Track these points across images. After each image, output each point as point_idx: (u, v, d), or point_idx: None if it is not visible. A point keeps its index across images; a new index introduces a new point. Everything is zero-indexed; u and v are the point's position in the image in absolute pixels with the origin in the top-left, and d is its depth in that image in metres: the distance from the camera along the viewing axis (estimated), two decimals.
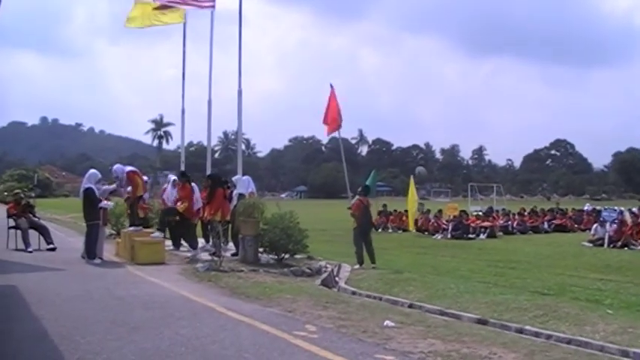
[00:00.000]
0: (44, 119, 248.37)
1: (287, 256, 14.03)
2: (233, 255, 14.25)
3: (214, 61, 18.73)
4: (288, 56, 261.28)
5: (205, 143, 20.56)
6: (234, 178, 15.81)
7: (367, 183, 20.15)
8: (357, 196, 15.26)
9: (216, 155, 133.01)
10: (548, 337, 7.94)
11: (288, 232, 13.58)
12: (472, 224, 26.60)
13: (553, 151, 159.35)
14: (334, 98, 17.38)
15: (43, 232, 16.86)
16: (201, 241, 15.78)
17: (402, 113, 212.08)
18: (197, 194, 15.73)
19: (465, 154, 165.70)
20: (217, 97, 18.74)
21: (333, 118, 17.49)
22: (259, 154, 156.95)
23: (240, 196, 14.87)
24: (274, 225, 13.58)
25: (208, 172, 17.77)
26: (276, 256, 13.93)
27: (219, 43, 18.97)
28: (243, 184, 15.28)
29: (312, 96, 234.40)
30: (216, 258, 12.96)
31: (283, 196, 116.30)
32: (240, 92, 16.79)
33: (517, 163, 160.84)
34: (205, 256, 14.35)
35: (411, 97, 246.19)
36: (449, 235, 24.94)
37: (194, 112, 21.58)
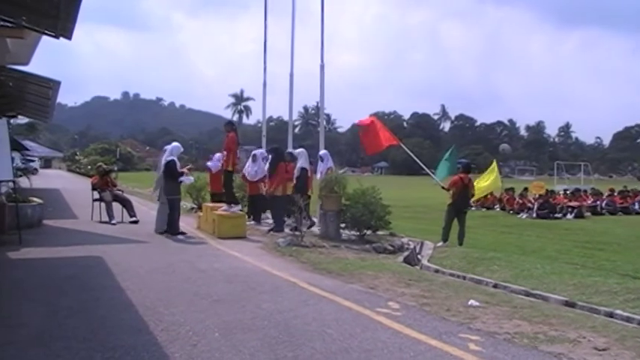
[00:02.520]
0: (126, 94, 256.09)
1: (369, 232, 14.00)
2: (290, 229, 14.28)
3: (296, 35, 18.77)
4: (367, 31, 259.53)
5: (285, 118, 20.76)
6: (295, 152, 15.83)
7: (444, 159, 19.88)
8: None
9: (296, 130, 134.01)
10: None
11: (370, 207, 13.53)
12: (559, 203, 25.95)
13: None
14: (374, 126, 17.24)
15: (126, 205, 17.30)
16: None
17: (485, 88, 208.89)
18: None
19: (551, 131, 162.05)
20: (297, 72, 18.67)
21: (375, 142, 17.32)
22: (340, 130, 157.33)
23: (302, 170, 14.93)
24: (356, 200, 13.55)
25: (289, 146, 17.87)
26: (357, 232, 13.92)
27: (298, 17, 18.98)
28: (304, 157, 15.33)
29: (392, 71, 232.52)
30: (297, 233, 13.03)
31: (366, 174, 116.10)
32: (322, 66, 16.76)
33: (606, 141, 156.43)
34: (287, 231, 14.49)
35: (495, 72, 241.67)
36: (534, 215, 24.45)
37: (274, 87, 21.76)
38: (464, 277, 10.72)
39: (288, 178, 15.19)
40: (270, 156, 15.67)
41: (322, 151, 15.83)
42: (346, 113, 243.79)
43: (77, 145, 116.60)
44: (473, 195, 14.95)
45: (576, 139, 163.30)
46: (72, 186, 36.16)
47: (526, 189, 28.36)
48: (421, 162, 16.19)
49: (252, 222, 16.10)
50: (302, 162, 15.19)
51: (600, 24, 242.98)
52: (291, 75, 18.81)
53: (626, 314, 7.98)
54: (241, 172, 16.74)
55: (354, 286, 8.78)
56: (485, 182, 17.67)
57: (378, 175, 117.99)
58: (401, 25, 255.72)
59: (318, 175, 15.11)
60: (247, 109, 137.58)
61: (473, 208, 28.15)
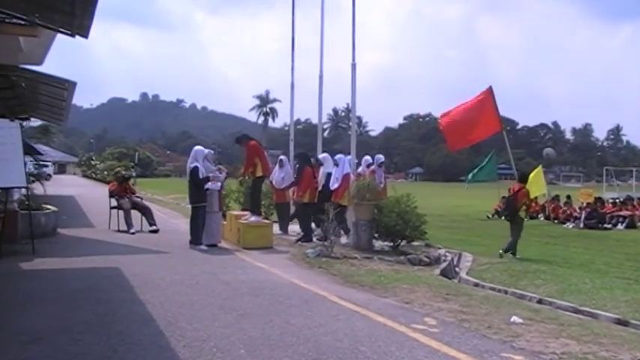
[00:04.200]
0: (144, 95, 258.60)
1: (403, 242, 13.99)
2: (318, 239, 14.35)
3: (325, 34, 18.79)
4: (399, 27, 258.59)
5: (314, 121, 20.81)
6: (320, 157, 15.89)
7: (482, 165, 19.94)
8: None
9: (325, 134, 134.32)
10: None
11: (405, 216, 13.53)
12: (608, 212, 25.64)
13: None
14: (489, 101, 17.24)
15: (146, 212, 17.40)
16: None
17: (526, 88, 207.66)
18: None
19: (600, 134, 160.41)
20: (326, 72, 18.67)
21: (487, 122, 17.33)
22: (372, 133, 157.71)
23: (329, 175, 14.97)
24: (390, 209, 13.55)
25: (319, 151, 17.91)
26: (391, 243, 13.92)
27: (327, 13, 19.00)
28: (330, 162, 15.38)
29: (427, 70, 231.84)
30: (326, 243, 13.05)
31: (399, 180, 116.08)
32: (354, 66, 16.73)
33: None
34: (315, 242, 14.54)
35: (537, 70, 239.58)
36: (581, 224, 24.20)
37: (302, 88, 21.71)
38: (505, 292, 10.66)
39: (316, 184, 15.25)
40: (296, 162, 15.76)
41: (337, 156, 15.82)
42: (378, 116, 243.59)
43: (93, 150, 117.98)
44: (524, 205, 14.87)
45: (627, 142, 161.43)
46: (88, 193, 36.61)
47: (569, 197, 28.09)
48: (459, 168, 16.09)
49: (280, 232, 16.16)
50: (328, 167, 15.24)
51: None
52: (321, 75, 18.82)
53: None
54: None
55: (388, 300, 8.78)
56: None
57: (413, 181, 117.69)
58: (435, 21, 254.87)
59: (331, 182, 15.10)
60: (273, 112, 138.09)
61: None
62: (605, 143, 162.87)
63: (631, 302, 9.44)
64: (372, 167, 16.19)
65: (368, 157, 16.58)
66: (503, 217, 19.62)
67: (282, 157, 17.02)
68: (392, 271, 11.46)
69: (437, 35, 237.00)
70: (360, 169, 15.79)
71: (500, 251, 14.29)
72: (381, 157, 16.64)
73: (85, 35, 10.42)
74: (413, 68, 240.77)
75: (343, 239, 14.61)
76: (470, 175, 32.05)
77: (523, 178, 15.68)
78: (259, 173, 14.71)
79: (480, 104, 17.39)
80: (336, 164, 15.46)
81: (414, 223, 13.67)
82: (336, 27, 19.45)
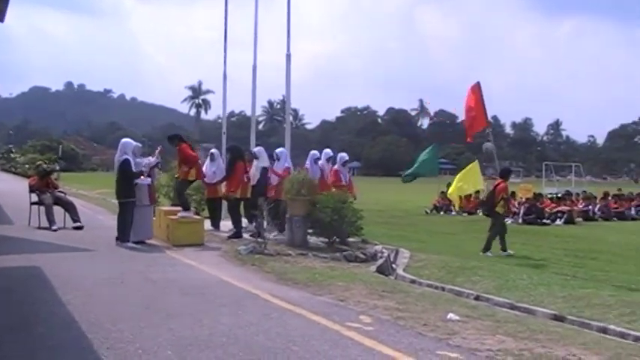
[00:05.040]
0: (69, 84, 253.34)
1: (339, 239, 14.05)
2: (251, 235, 14.31)
3: (259, 23, 18.76)
4: (338, 18, 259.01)
5: (248, 113, 20.68)
6: (255, 150, 15.84)
7: (421, 159, 20.22)
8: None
9: (260, 126, 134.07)
10: (637, 338, 7.73)
11: (341, 212, 13.58)
12: (547, 208, 26.23)
13: None
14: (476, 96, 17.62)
15: (69, 208, 17.05)
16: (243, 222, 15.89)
17: (466, 81, 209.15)
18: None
19: (540, 128, 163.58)
20: (261, 63, 18.65)
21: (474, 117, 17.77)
22: (308, 126, 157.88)
23: (264, 170, 14.98)
24: (325, 205, 13.59)
25: (252, 144, 17.86)
26: (326, 239, 13.97)
27: (262, 2, 18.96)
28: (265, 156, 15.42)
29: (366, 62, 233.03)
30: (260, 240, 13.02)
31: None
32: (288, 57, 16.78)
33: (600, 140, 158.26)
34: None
35: (478, 64, 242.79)
36: (520, 220, 24.65)
37: (235, 79, 21.65)
38: (443, 289, 10.82)
39: (248, 179, 15.21)
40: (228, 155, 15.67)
41: (278, 149, 15.83)
42: (315, 108, 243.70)
43: (13, 142, 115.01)
44: (502, 200, 15.37)
45: (567, 137, 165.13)
46: (7, 187, 35.69)
47: (513, 193, 28.62)
48: (398, 162, 16.26)
49: (211, 228, 16.07)
50: (262, 161, 15.21)
51: (592, 13, 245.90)
52: (254, 66, 18.80)
53: (620, 330, 8.09)
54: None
55: (323, 298, 8.82)
56: (463, 183, 17.87)
57: (351, 175, 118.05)
58: (375, 11, 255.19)
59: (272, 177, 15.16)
60: (206, 103, 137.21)
61: (453, 213, 28.49)
62: (545, 138, 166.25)
63: (568, 298, 9.68)
64: (336, 167, 16.08)
65: (328, 150, 16.48)
66: (481, 213, 20.17)
67: (213, 150, 16.89)
68: (327, 268, 11.52)
69: (377, 26, 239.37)
70: (307, 164, 15.78)
71: (480, 253, 14.70)
72: (344, 156, 16.60)
73: (1, 19, 10.19)
74: (352, 60, 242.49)
75: (274, 235, 14.61)
76: (408, 171, 32.23)
77: (504, 174, 16.10)
78: (191, 177, 14.67)
79: (473, 98, 17.85)
80: (277, 158, 15.46)
81: (350, 218, 13.74)
82: (271, 16, 19.42)
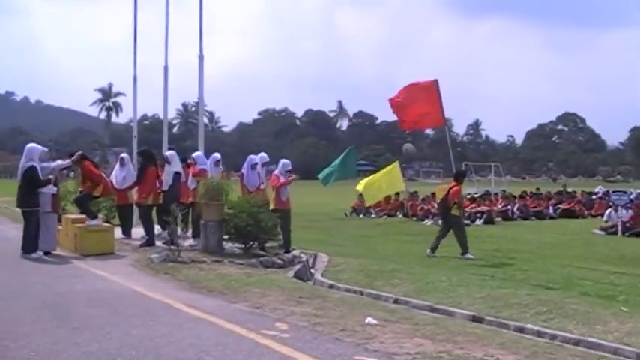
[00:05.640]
0: None
1: (255, 244, 14.02)
2: (165, 242, 14.18)
3: (171, 23, 18.60)
4: (254, 18, 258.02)
5: (161, 116, 20.46)
6: (167, 154, 15.70)
7: (339, 162, 20.49)
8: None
9: (175, 130, 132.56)
10: (553, 337, 7.98)
11: (257, 217, 13.55)
12: (466, 209, 26.71)
13: (560, 126, 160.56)
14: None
15: None
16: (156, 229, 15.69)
17: (386, 82, 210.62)
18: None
19: (459, 129, 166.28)
20: (175, 64, 18.54)
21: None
22: (224, 129, 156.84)
23: (176, 175, 14.87)
24: (240, 209, 13.53)
25: (165, 148, 17.67)
26: (242, 245, 13.92)
27: (177, 3, 18.83)
28: (177, 161, 15.36)
29: (283, 62, 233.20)
30: (173, 247, 12.89)
31: None
32: (201, 57, 16.71)
33: (519, 140, 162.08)
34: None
35: (397, 64, 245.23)
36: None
37: (148, 81, 21.43)
38: (361, 293, 10.91)
39: (161, 184, 15.04)
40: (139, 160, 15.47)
41: (195, 154, 15.73)
42: (232, 111, 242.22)
43: None
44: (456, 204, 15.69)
45: (487, 137, 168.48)
46: None
47: (433, 194, 29.06)
48: (317, 165, 16.31)
49: (122, 236, 15.82)
50: (175, 166, 15.07)
51: (510, 13, 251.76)
52: (166, 67, 18.64)
53: (537, 328, 8.32)
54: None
55: (238, 305, 8.79)
56: (383, 184, 18.09)
57: (268, 179, 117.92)
58: (293, 11, 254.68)
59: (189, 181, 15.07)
60: (117, 106, 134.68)
61: (373, 216, 28.76)
62: (464, 138, 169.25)
63: (486, 298, 9.89)
64: (276, 171, 15.76)
65: (253, 157, 16.32)
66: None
67: (123, 155, 16.67)
68: (243, 274, 11.48)
69: (294, 25, 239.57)
70: (243, 169, 15.73)
71: (428, 251, 15.30)
72: (265, 157, 16.48)
73: None
74: (269, 60, 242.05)
75: (189, 241, 14.49)
76: (323, 174, 32.22)
77: (458, 177, 16.54)
78: (97, 193, 14.47)
79: (425, 93, 18.14)
80: (195, 162, 15.35)
81: (267, 223, 13.72)
82: (182, 16, 19.28)
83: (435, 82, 18.35)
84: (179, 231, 13.74)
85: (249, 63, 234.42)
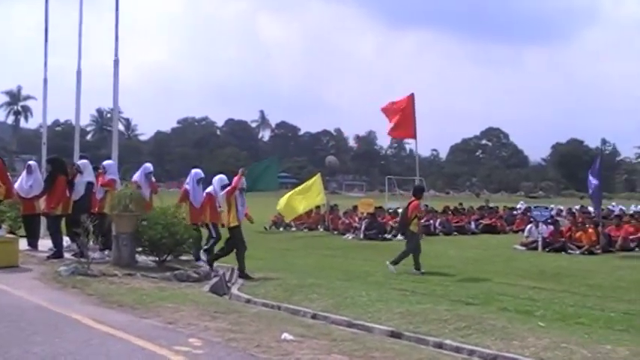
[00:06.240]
0: None
1: (170, 257, 13.88)
2: (74, 255, 13.96)
3: (85, 25, 18.33)
4: (174, 22, 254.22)
5: (74, 122, 20.12)
6: (79, 162, 15.46)
7: (258, 172, 20.53)
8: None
9: (89, 137, 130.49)
10: (471, 352, 8.13)
11: (172, 229, 13.41)
12: (389, 223, 27.00)
13: (484, 141, 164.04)
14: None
15: None
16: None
17: (310, 93, 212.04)
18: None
19: (383, 142, 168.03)
20: (90, 68, 18.25)
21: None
22: (142, 137, 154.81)
23: (88, 184, 14.67)
24: (155, 221, 13.38)
25: (76, 156, 17.37)
26: (157, 258, 13.76)
27: (91, 3, 18.56)
28: (90, 170, 15.17)
29: (204, 70, 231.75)
30: (83, 260, 12.65)
31: (172, 189, 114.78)
32: (116, 62, 16.50)
33: (443, 154, 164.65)
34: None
35: (321, 74, 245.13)
36: (361, 235, 25.23)
37: (61, 85, 21.09)
38: (279, 308, 10.90)
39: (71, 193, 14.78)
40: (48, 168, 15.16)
41: (106, 162, 15.51)
42: (150, 119, 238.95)
43: None
44: (415, 218, 16.05)
45: (411, 151, 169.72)
46: None
47: (355, 207, 29.27)
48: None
49: (28, 247, 15.46)
50: (87, 175, 14.82)
51: (435, 26, 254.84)
52: (79, 71, 18.37)
53: (455, 344, 8.45)
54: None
55: (150, 321, 8.69)
56: (303, 197, 18.13)
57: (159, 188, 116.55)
58: (213, 17, 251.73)
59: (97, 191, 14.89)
60: (26, 110, 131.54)
61: (293, 229, 28.81)
62: (388, 151, 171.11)
63: (405, 314, 10.00)
64: (210, 190, 15.43)
65: (198, 171, 16.12)
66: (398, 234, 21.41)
67: (31, 162, 16.31)
68: (156, 288, 11.34)
69: (215, 32, 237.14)
70: (187, 184, 15.81)
71: (387, 263, 15.49)
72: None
73: None
74: (189, 67, 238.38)
75: (97, 254, 14.24)
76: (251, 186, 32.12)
77: (417, 192, 16.81)
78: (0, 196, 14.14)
79: (403, 106, 18.54)
80: (105, 171, 15.10)
81: (183, 235, 13.60)
82: (98, 17, 18.99)
83: (411, 96, 18.82)
84: (89, 243, 13.47)
85: (168, 69, 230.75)
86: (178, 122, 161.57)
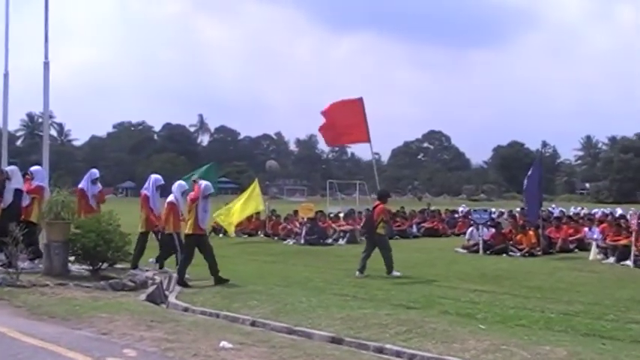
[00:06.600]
0: None
1: (105, 266, 13.69)
2: (2, 265, 13.68)
3: (13, 25, 18.01)
4: (107, 23, 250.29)
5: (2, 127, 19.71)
6: (7, 169, 15.20)
7: (199, 176, 20.49)
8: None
9: (19, 142, 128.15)
10: (412, 356, 8.20)
11: (106, 237, 13.23)
12: (330, 227, 27.06)
13: (426, 144, 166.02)
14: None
15: None
16: None
17: (249, 97, 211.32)
18: None
19: (324, 145, 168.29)
20: (18, 71, 17.91)
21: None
22: (75, 142, 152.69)
23: (17, 192, 14.42)
24: (88, 229, 13.19)
25: (5, 162, 17.04)
26: (90, 267, 13.56)
27: (19, 2, 18.22)
28: (18, 176, 14.86)
29: (140, 72, 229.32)
30: (11, 270, 12.39)
31: (107, 196, 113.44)
32: (46, 64, 16.23)
33: (384, 158, 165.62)
34: None
35: (260, 78, 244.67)
36: (302, 241, 25.22)
37: None
38: (217, 315, 10.84)
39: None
40: None
41: (33, 168, 15.25)
42: (85, 123, 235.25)
43: None
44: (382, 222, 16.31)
45: (352, 154, 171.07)
46: None
47: (296, 211, 29.24)
48: (174, 181, 16.04)
49: None
50: (16, 182, 14.54)
51: (376, 30, 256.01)
52: (6, 74, 17.99)
53: (396, 349, 8.51)
54: None
55: (83, 332, 8.57)
56: (244, 205, 18.04)
57: (123, 197, 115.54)
58: (147, 17, 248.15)
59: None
60: None
61: (233, 235, 28.66)
62: (330, 155, 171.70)
63: (346, 319, 10.02)
64: (172, 198, 15.30)
65: (158, 177, 15.87)
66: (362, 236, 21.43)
67: None
68: (90, 298, 11.17)
69: (150, 33, 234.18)
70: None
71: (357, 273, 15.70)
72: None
73: None
74: (124, 69, 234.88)
75: (27, 264, 13.96)
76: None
77: (382, 196, 17.14)
78: None
79: (350, 110, 18.52)
80: (32, 177, 14.83)
81: (117, 243, 13.43)
82: (26, 18, 18.65)
83: (360, 99, 18.84)
84: (18, 253, 13.20)
85: (103, 71, 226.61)
86: (114, 127, 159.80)
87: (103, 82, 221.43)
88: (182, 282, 13.71)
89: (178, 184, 15.34)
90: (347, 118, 19.03)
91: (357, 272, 15.67)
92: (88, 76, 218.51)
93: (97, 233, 13.16)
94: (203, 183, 14.71)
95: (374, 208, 16.71)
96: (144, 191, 15.69)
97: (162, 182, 15.59)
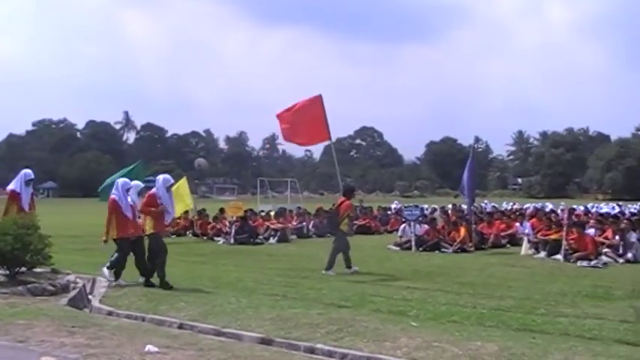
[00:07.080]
0: None
1: (23, 270, 13.39)
2: None
3: None
4: (25, 14, 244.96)
5: None
6: None
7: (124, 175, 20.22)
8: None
9: None
10: (343, 356, 8.26)
11: (24, 239, 12.94)
12: (260, 226, 27.02)
13: (358, 141, 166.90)
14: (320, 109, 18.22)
15: None
16: None
17: (176, 93, 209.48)
18: None
19: (255, 142, 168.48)
20: None
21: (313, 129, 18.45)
22: None
23: None
24: (4, 231, 12.89)
25: None
26: (7, 271, 13.25)
27: None
28: None
29: (61, 68, 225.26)
30: None
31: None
32: None
33: (316, 155, 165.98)
34: None
35: (188, 74, 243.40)
36: (232, 240, 25.12)
37: None
38: (143, 319, 10.75)
39: None
40: None
41: None
42: (1, 121, 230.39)
43: None
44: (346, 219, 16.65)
45: (283, 152, 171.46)
46: None
47: (222, 210, 29.10)
48: (99, 181, 15.80)
49: None
50: None
51: (305, 25, 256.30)
52: None
53: (327, 348, 8.57)
54: None
55: None
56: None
57: (44, 197, 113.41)
58: (69, 10, 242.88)
59: None
60: None
61: None
62: (260, 153, 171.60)
63: (276, 319, 10.01)
64: (155, 190, 14.61)
65: (127, 180, 15.44)
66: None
67: None
68: (6, 305, 10.86)
69: (71, 26, 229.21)
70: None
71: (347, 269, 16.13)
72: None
73: None
74: (44, 64, 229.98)
75: None
76: (102, 187, 31.42)
77: (347, 192, 17.28)
78: None
79: (309, 109, 18.31)
80: None
81: (36, 246, 13.14)
82: None
83: (319, 97, 18.75)
84: None
85: (19, 64, 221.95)
86: (34, 124, 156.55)
87: (19, 76, 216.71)
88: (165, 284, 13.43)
89: (164, 178, 14.50)
90: (307, 119, 19.00)
91: (347, 269, 16.08)
92: (5, 72, 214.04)
93: (14, 236, 12.87)
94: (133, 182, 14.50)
95: (339, 204, 16.81)
96: (112, 195, 15.06)
97: (130, 185, 15.04)
